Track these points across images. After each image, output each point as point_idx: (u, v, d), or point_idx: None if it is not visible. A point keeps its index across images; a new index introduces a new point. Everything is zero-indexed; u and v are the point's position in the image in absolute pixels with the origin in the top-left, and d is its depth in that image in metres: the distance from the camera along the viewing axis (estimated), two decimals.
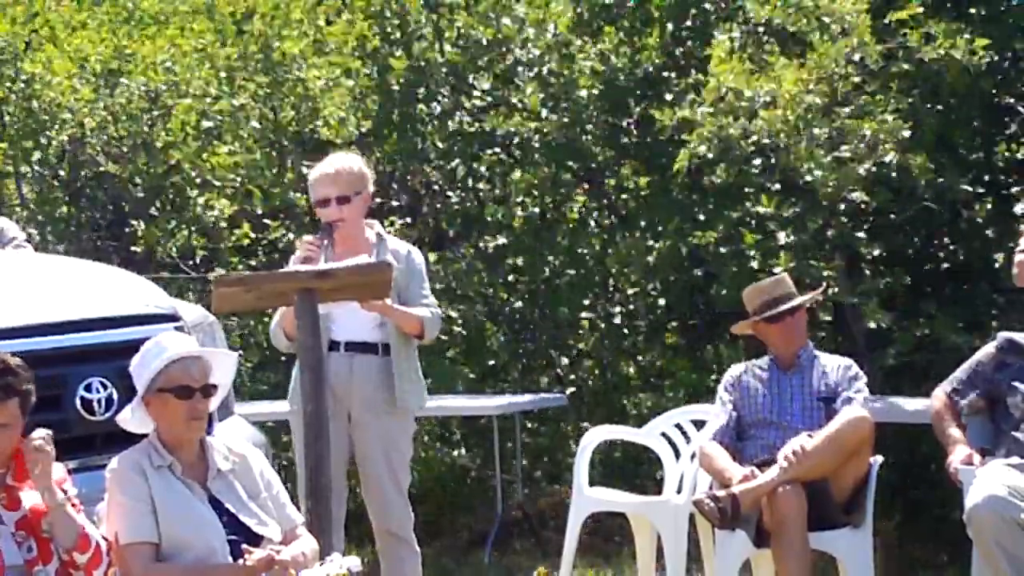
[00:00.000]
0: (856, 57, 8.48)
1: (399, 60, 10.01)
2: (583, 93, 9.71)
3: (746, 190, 8.89)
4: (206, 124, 10.56)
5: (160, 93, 10.90)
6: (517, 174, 10.21)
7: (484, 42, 10.05)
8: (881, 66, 8.53)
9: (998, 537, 6.14)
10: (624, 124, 9.79)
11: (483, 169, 10.38)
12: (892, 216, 8.92)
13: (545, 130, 9.75)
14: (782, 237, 8.60)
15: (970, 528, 6.24)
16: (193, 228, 10.85)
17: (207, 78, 10.66)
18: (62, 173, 11.49)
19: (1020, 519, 6.15)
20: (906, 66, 8.48)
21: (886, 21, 8.56)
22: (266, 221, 10.44)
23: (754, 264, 8.54)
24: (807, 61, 8.51)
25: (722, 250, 8.77)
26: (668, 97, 9.22)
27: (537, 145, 9.85)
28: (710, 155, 8.56)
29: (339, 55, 10.37)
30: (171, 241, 10.89)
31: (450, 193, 10.53)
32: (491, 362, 10.42)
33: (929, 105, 8.83)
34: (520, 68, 9.99)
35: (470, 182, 10.43)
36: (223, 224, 10.69)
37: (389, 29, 10.24)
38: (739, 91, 8.43)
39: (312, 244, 6.68)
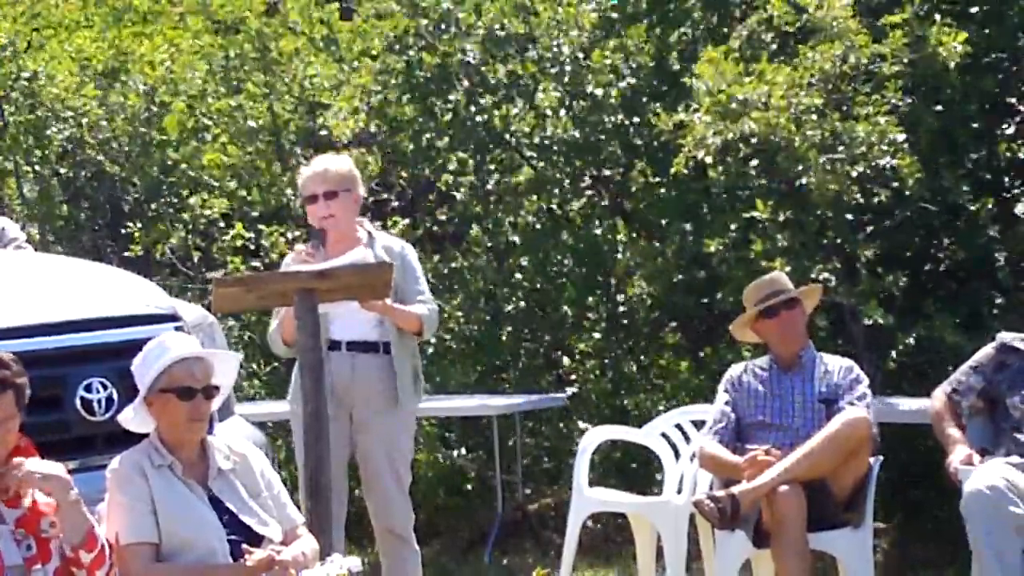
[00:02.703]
0: (852, 59, 8.48)
1: (430, 55, 10.00)
2: (600, 92, 9.72)
3: (746, 192, 8.90)
4: (203, 123, 10.57)
5: (158, 91, 10.91)
6: (525, 171, 10.21)
7: (512, 32, 10.04)
8: (876, 68, 8.53)
9: (988, 527, 6.17)
10: (635, 123, 9.80)
11: (491, 166, 10.37)
12: (892, 217, 8.93)
13: (563, 128, 9.75)
14: (780, 240, 8.61)
15: (965, 515, 6.27)
16: (190, 229, 10.86)
17: (204, 77, 10.66)
18: (62, 172, 11.49)
19: (1012, 512, 6.17)
20: (896, 68, 8.48)
21: (879, 23, 8.56)
22: (262, 227, 10.44)
23: (756, 267, 8.55)
24: (800, 63, 8.51)
25: (729, 255, 8.78)
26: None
27: (553, 142, 9.85)
28: (708, 159, 8.57)
29: (349, 52, 10.36)
30: (169, 241, 10.90)
31: (456, 193, 10.51)
32: (491, 362, 10.42)
33: (930, 105, 8.82)
34: (543, 64, 10.00)
35: (477, 179, 10.42)
36: (220, 225, 10.71)
37: (424, 22, 10.22)
38: (732, 95, 8.43)
39: (306, 253, 6.68)
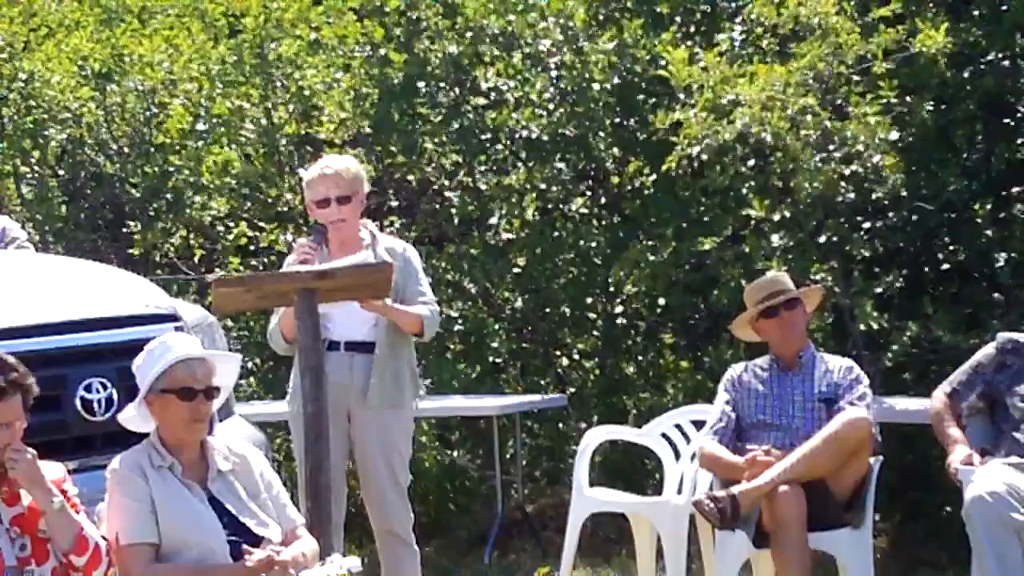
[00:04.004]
0: (844, 57, 8.47)
1: (399, 55, 9.99)
2: (596, 87, 9.71)
3: (742, 191, 8.90)
4: (201, 127, 10.56)
5: (156, 91, 10.90)
6: (521, 172, 10.21)
7: (495, 32, 10.01)
8: (866, 66, 8.52)
9: (990, 532, 6.17)
10: (631, 122, 9.79)
11: (484, 167, 10.36)
12: (890, 217, 8.93)
13: (555, 126, 9.74)
14: (776, 239, 8.61)
15: (966, 521, 6.27)
16: (191, 229, 10.85)
17: (201, 81, 10.65)
18: (61, 173, 11.49)
19: (1013, 518, 6.17)
20: (887, 65, 8.46)
21: (870, 19, 8.55)
22: (262, 225, 10.43)
23: (753, 267, 8.54)
24: (793, 63, 8.50)
25: (723, 255, 8.78)
26: (681, 97, 9.21)
27: (545, 139, 9.84)
28: (703, 156, 8.56)
29: (336, 54, 10.34)
30: (169, 242, 10.89)
31: (449, 193, 10.51)
32: (491, 362, 10.41)
33: (925, 104, 8.82)
34: (530, 61, 9.97)
35: (471, 180, 10.41)
36: (220, 225, 10.70)
37: (393, 24, 10.21)
38: (722, 93, 8.43)
39: (308, 247, 6.67)
